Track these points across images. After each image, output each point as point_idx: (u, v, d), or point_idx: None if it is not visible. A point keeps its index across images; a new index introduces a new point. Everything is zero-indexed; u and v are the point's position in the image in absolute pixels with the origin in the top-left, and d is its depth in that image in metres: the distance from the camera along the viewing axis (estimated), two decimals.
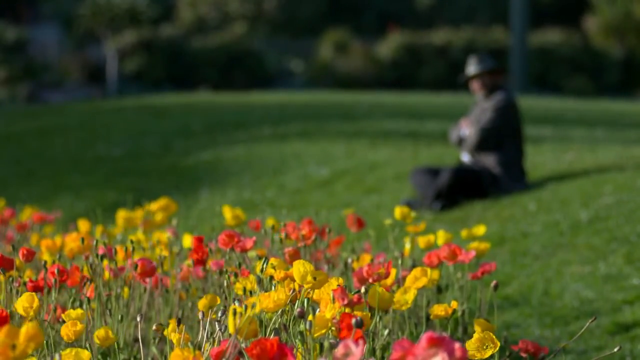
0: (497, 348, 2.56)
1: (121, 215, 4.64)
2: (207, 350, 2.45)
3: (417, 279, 2.78)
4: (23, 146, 13.17)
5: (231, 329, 2.24)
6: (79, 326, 2.62)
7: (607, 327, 4.46)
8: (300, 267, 2.46)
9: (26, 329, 1.82)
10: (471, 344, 2.56)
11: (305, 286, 2.45)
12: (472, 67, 7.43)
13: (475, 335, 2.56)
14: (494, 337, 2.57)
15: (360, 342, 1.85)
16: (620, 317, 4.56)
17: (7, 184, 10.34)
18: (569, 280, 5.20)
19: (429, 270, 2.84)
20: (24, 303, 2.61)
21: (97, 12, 25.11)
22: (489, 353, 2.55)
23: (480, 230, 3.96)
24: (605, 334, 4.41)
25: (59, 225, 6.20)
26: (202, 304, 2.69)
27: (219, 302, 2.72)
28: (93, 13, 25.18)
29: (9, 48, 24.86)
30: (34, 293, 2.61)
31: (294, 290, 2.51)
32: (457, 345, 1.74)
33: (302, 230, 3.44)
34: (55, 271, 2.91)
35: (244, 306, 2.30)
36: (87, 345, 2.92)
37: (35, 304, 2.59)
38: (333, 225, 6.01)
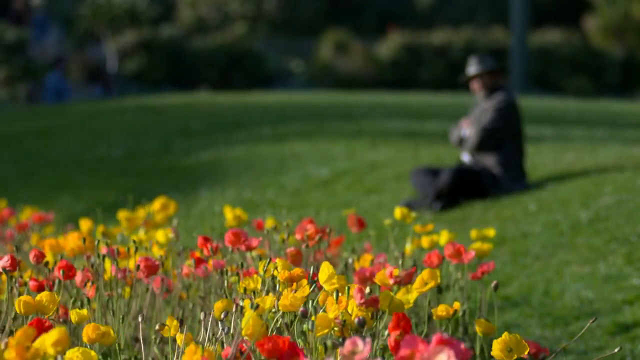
0: (526, 352, 2.55)
1: (123, 215, 4.64)
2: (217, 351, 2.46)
3: (426, 283, 2.77)
4: (23, 146, 13.17)
5: (244, 331, 2.25)
6: (103, 328, 2.61)
7: (608, 328, 4.46)
8: (325, 270, 2.50)
9: (53, 334, 1.82)
10: (497, 344, 2.56)
11: (329, 288, 2.47)
12: (472, 67, 7.44)
13: (503, 336, 2.56)
14: (521, 339, 2.56)
15: (368, 339, 1.85)
16: (621, 318, 4.56)
17: (7, 185, 10.34)
18: (569, 281, 5.20)
19: (437, 272, 2.82)
20: (43, 301, 2.59)
21: (97, 12, 25.10)
22: (514, 358, 2.55)
23: (491, 232, 3.97)
24: (606, 334, 4.41)
25: (58, 226, 6.20)
26: (217, 308, 2.68)
27: (233, 306, 2.72)
28: (93, 13, 25.16)
29: (8, 48, 24.85)
30: (54, 292, 2.60)
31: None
32: (463, 345, 1.75)
33: (308, 230, 3.45)
34: (60, 271, 2.91)
35: (254, 305, 2.30)
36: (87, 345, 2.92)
37: (56, 300, 2.58)
38: (333, 225, 6.00)
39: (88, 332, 2.59)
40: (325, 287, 2.48)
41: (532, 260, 5.69)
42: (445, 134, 9.87)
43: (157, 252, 3.98)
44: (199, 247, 3.29)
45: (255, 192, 8.83)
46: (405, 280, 2.76)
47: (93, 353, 2.29)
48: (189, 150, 11.38)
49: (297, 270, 2.60)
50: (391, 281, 2.76)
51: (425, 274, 2.81)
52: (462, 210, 7.10)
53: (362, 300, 2.43)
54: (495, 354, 2.53)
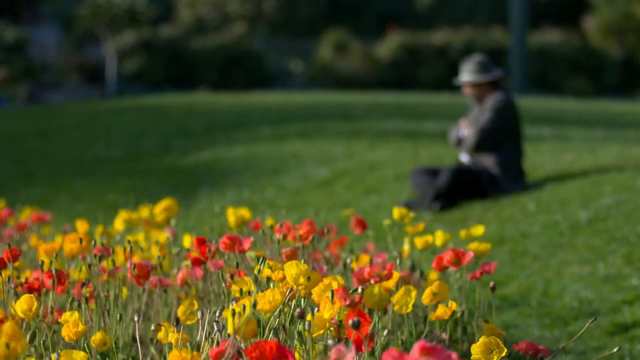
0: (504, 353, 2.52)
1: (122, 215, 4.62)
2: (205, 351, 2.45)
3: (436, 295, 2.73)
4: (22, 147, 13.16)
5: (230, 330, 2.24)
6: (81, 327, 2.61)
7: (607, 328, 4.46)
8: (292, 269, 2.42)
9: (4, 329, 1.80)
10: (476, 348, 2.52)
11: (298, 287, 2.43)
12: (464, 75, 7.39)
13: (481, 339, 2.52)
14: (499, 342, 2.53)
15: (352, 346, 1.84)
16: (620, 318, 4.56)
17: (6, 185, 10.33)
18: (568, 281, 5.19)
19: (446, 286, 2.79)
20: (22, 305, 2.59)
21: (97, 13, 25.09)
22: (495, 358, 2.51)
23: (479, 230, 3.95)
24: (605, 334, 4.41)
25: (57, 226, 6.19)
26: (180, 311, 2.68)
27: (196, 307, 2.70)
28: (92, 13, 25.16)
29: (8, 48, 24.84)
30: (32, 295, 2.59)
31: (291, 290, 2.50)
32: (454, 355, 1.73)
33: (300, 230, 3.43)
34: (53, 272, 2.90)
35: (242, 306, 2.29)
36: (86, 345, 2.91)
37: (35, 306, 2.57)
38: (332, 225, 5.99)
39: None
40: (295, 286, 2.44)
41: (531, 261, 5.69)
42: (444, 134, 9.87)
43: (155, 253, 3.97)
44: (194, 248, 3.28)
45: (254, 192, 8.83)
46: (387, 277, 2.76)
47: (82, 354, 2.29)
48: (189, 151, 11.37)
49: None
50: (372, 281, 2.76)
51: (435, 287, 2.78)
52: (461, 210, 7.10)
53: (347, 302, 2.42)
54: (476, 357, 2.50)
